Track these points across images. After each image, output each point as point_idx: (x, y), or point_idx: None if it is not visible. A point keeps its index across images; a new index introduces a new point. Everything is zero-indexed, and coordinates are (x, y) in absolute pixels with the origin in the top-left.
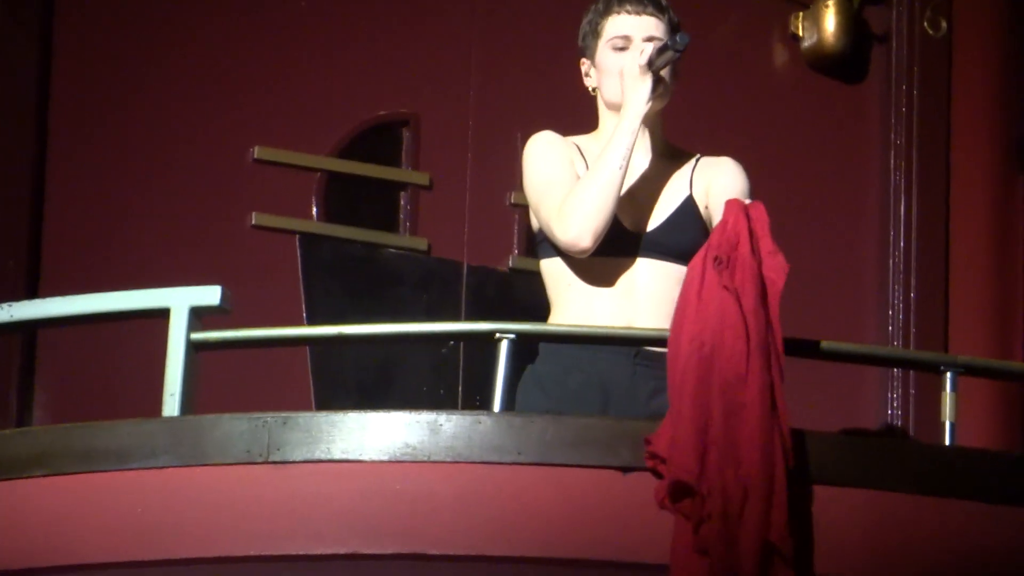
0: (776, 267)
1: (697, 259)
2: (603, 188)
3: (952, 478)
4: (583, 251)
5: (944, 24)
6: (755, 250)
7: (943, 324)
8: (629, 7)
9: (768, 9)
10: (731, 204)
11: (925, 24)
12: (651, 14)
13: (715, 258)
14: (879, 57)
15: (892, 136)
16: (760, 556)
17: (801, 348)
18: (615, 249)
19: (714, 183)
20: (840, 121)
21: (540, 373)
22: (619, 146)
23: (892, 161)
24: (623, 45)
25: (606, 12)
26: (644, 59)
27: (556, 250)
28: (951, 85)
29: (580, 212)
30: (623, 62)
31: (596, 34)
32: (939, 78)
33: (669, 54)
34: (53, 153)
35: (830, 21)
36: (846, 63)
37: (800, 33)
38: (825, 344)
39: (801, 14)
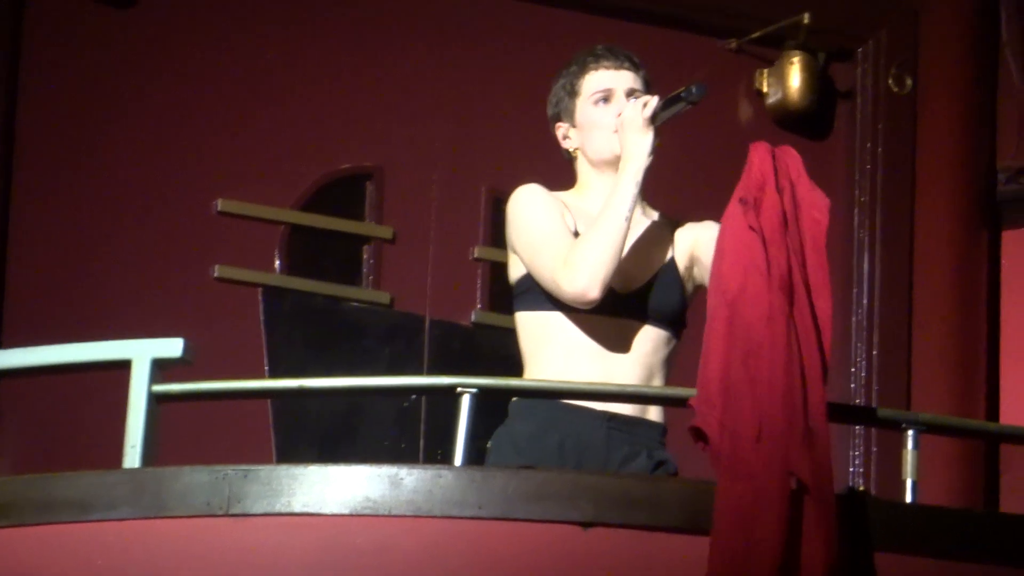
0: (818, 203)
1: (730, 206)
2: (611, 239)
3: (913, 535)
4: (590, 302)
5: (909, 81)
6: (792, 192)
7: (906, 381)
8: (606, 62)
9: (733, 65)
10: (756, 147)
11: (890, 81)
12: (628, 68)
13: (740, 199)
14: (844, 114)
15: (856, 193)
16: (779, 493)
17: None
18: (598, 307)
19: (699, 240)
20: None
21: (514, 432)
22: (625, 198)
23: (856, 218)
24: (605, 97)
25: (582, 71)
26: (648, 112)
27: (549, 303)
28: (916, 142)
29: (589, 263)
30: (610, 115)
31: (574, 93)
32: (904, 135)
33: (680, 106)
34: (17, 204)
35: (795, 78)
36: (811, 120)
37: (765, 89)
38: None
39: (766, 71)
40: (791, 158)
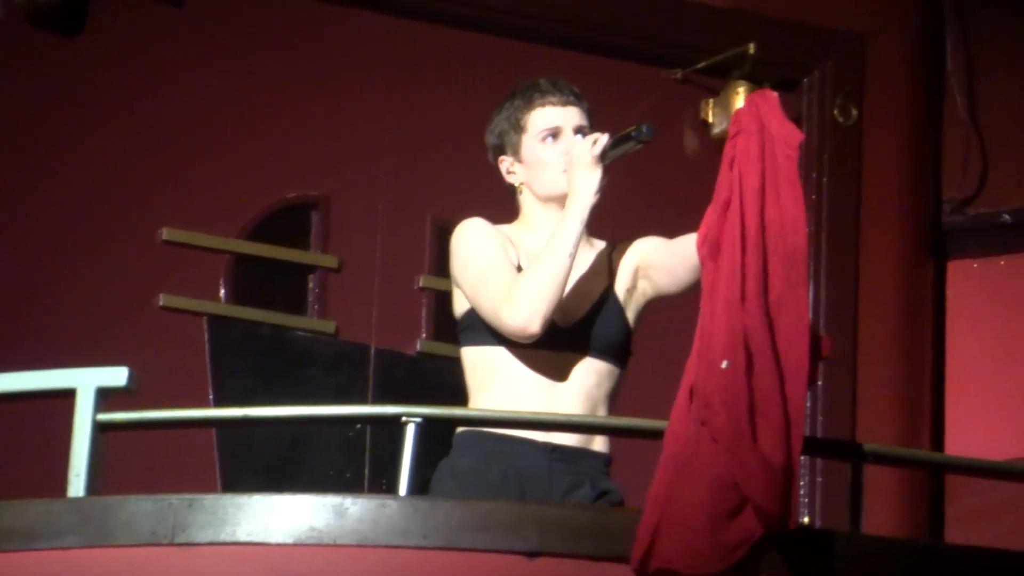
0: (790, 140)
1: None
2: (553, 275)
3: (858, 566)
4: (530, 336)
5: (854, 112)
6: (760, 135)
7: (851, 412)
8: (552, 98)
9: (679, 95)
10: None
11: (835, 111)
12: (574, 104)
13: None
14: None
15: None
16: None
17: None
18: (541, 342)
19: (639, 253)
20: None
21: (456, 466)
22: (569, 234)
23: None
24: (553, 134)
25: (528, 106)
26: (598, 149)
27: (493, 338)
28: (861, 172)
29: (530, 297)
30: (558, 153)
31: (520, 129)
32: (849, 166)
33: (630, 144)
34: None
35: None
36: None
37: (711, 119)
38: None
39: (712, 100)
40: (763, 99)
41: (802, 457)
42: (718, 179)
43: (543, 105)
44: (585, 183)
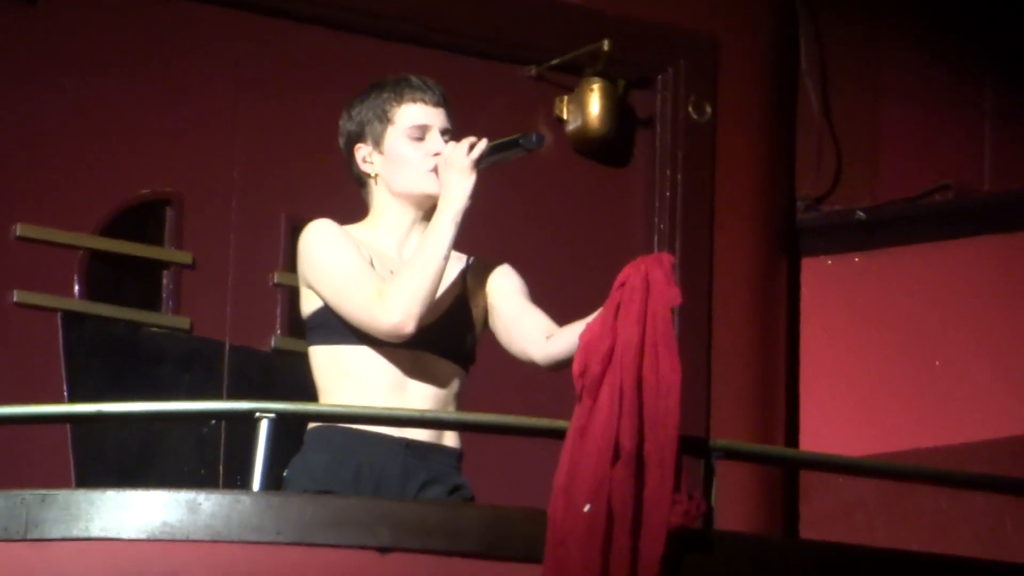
0: (669, 299)
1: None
2: (427, 276)
3: (712, 562)
4: (404, 336)
5: (708, 109)
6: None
7: (705, 410)
8: (425, 96)
9: (533, 92)
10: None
11: (690, 108)
12: (442, 105)
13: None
14: (643, 141)
15: (656, 220)
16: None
17: (552, 432)
18: (390, 343)
19: (495, 288)
20: (605, 205)
21: (310, 462)
22: (443, 238)
23: (656, 245)
24: (420, 135)
25: (397, 99)
26: (476, 154)
27: (344, 337)
28: (715, 170)
29: (405, 298)
30: (422, 152)
31: (386, 120)
32: (703, 163)
33: (513, 151)
34: None
35: (595, 105)
36: (611, 147)
37: (565, 116)
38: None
39: (566, 97)
40: (656, 261)
41: None
42: (603, 316)
43: (414, 101)
44: (458, 187)
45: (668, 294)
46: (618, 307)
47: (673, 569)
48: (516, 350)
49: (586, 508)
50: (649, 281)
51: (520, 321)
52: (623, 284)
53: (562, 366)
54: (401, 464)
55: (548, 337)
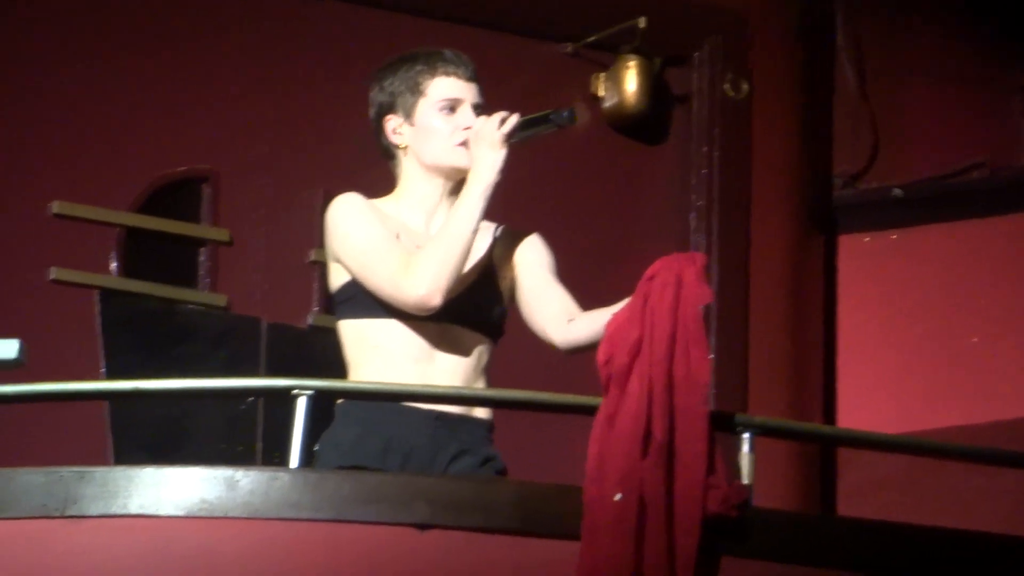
0: (699, 296)
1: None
2: (455, 249)
3: (750, 539)
4: (431, 309)
5: (745, 86)
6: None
7: (742, 386)
8: (458, 71)
9: (569, 69)
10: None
11: (726, 86)
12: (475, 80)
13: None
14: (680, 118)
15: (692, 197)
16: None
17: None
18: (417, 315)
19: (521, 259)
20: (641, 183)
21: (339, 437)
22: (472, 211)
23: (692, 222)
24: (452, 108)
25: (430, 72)
26: (507, 129)
27: (373, 310)
28: (752, 147)
29: (432, 271)
30: (452, 125)
31: (418, 92)
32: (740, 140)
33: (544, 127)
34: None
35: (631, 82)
36: (647, 124)
37: (601, 93)
38: None
39: (602, 75)
40: (688, 259)
41: None
42: (630, 307)
43: (447, 75)
44: (488, 162)
45: (700, 292)
46: (646, 299)
47: (710, 545)
48: (536, 327)
49: (617, 497)
50: (681, 278)
51: (542, 298)
52: (652, 278)
53: (579, 351)
54: (431, 436)
55: (570, 320)
